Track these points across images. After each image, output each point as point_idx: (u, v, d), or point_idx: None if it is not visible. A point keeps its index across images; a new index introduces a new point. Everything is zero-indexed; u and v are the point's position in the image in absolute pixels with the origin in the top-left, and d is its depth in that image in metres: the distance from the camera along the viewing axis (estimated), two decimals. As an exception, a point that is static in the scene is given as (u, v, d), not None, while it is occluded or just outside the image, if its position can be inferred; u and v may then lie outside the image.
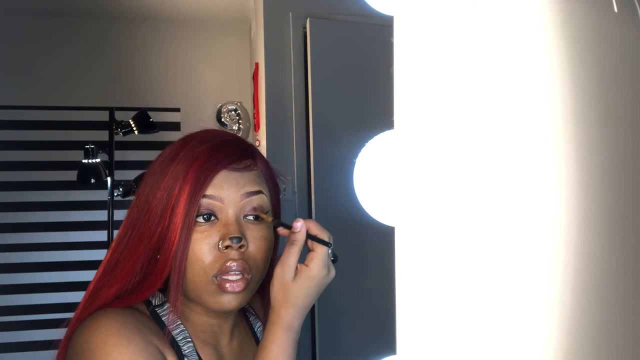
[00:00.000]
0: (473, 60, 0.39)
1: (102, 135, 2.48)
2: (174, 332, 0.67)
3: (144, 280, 0.67)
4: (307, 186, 1.94)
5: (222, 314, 0.70)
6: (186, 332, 0.68)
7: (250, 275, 0.65)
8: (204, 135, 0.70)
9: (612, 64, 0.39)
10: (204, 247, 0.64)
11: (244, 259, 0.65)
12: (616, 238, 0.40)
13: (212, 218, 0.65)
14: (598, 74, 0.39)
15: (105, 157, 2.42)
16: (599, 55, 0.39)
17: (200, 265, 0.64)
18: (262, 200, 0.69)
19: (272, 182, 0.74)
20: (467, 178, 0.39)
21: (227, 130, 0.76)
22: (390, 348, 0.40)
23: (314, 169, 1.88)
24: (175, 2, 2.57)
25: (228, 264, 0.64)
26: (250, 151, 0.71)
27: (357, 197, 0.44)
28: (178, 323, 0.68)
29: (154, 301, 0.69)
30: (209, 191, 0.65)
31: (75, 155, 2.48)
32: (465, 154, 0.39)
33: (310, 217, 1.90)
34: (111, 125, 2.41)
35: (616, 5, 0.37)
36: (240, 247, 0.64)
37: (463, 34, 0.39)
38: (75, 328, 0.64)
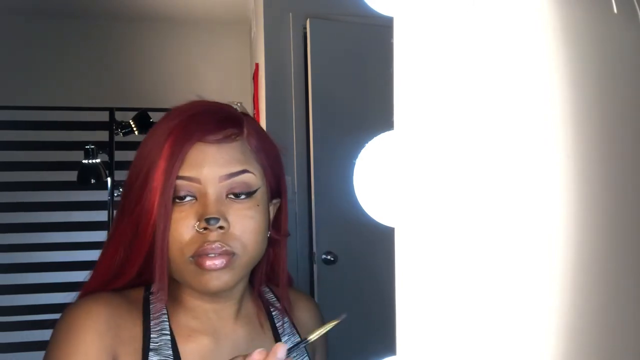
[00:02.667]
0: (473, 61, 0.39)
1: (103, 136, 2.49)
2: (153, 322, 0.63)
3: (126, 261, 0.64)
4: (307, 186, 1.94)
5: (215, 296, 0.65)
6: (166, 323, 0.64)
7: (236, 256, 0.61)
8: (186, 106, 0.65)
9: (611, 65, 0.39)
10: (181, 227, 0.60)
11: (225, 240, 0.60)
12: (616, 238, 0.40)
13: (190, 198, 0.61)
14: (597, 75, 0.39)
15: (106, 158, 2.42)
16: (599, 56, 0.39)
17: (177, 247, 0.60)
18: (247, 179, 0.63)
19: (265, 154, 0.67)
20: (467, 179, 0.39)
21: (218, 101, 0.68)
22: (390, 348, 0.41)
23: (314, 169, 1.88)
24: (175, 2, 2.57)
25: (205, 245, 0.59)
26: (233, 119, 0.65)
27: (357, 198, 0.44)
28: (162, 312, 0.64)
29: (153, 287, 0.65)
30: (185, 171, 0.60)
31: (76, 156, 2.48)
32: (465, 155, 0.39)
33: (310, 217, 1.90)
34: (111, 125, 2.41)
35: (616, 7, 0.37)
36: (220, 227, 0.60)
37: (463, 35, 0.39)
38: None
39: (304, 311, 0.76)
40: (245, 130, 0.66)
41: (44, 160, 2.67)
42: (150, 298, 0.65)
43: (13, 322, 2.55)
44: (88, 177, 2.32)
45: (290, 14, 1.97)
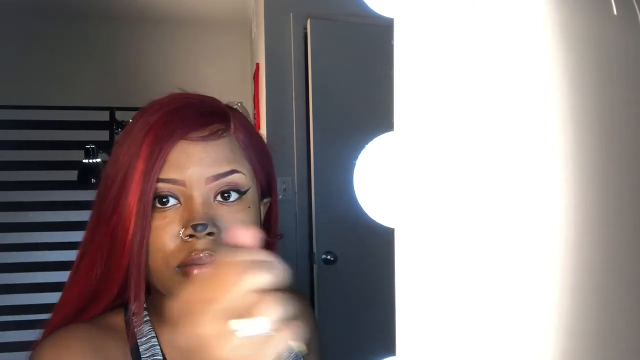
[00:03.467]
0: (473, 62, 0.39)
1: (103, 135, 2.49)
2: (143, 347, 0.57)
3: (103, 280, 0.56)
4: (307, 186, 1.95)
5: None
6: (157, 347, 0.57)
7: None
8: (166, 99, 0.58)
9: (611, 66, 0.39)
10: (164, 236, 0.53)
11: (214, 248, 0.52)
12: (615, 238, 0.40)
13: (174, 202, 0.54)
14: (597, 76, 0.39)
15: (106, 157, 2.42)
16: (598, 57, 0.39)
17: (161, 256, 0.53)
18: (237, 179, 0.56)
19: (254, 150, 0.61)
20: (466, 179, 0.39)
21: (200, 94, 0.60)
22: (390, 348, 0.41)
23: (314, 169, 1.88)
24: (176, 2, 2.57)
25: (193, 255, 0.52)
26: (219, 113, 0.58)
27: (357, 198, 0.44)
28: (150, 336, 0.58)
29: (133, 308, 0.58)
30: (167, 173, 0.53)
31: (76, 155, 2.48)
32: (465, 156, 0.39)
33: (310, 217, 1.90)
34: (112, 125, 2.41)
35: (615, 8, 0.37)
36: (209, 234, 0.53)
37: (463, 36, 0.39)
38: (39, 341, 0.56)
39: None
40: (232, 125, 0.59)
41: (44, 160, 2.67)
42: (134, 320, 0.58)
43: (13, 322, 2.55)
44: (88, 177, 2.32)
45: (291, 14, 1.97)
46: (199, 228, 0.52)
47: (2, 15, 2.62)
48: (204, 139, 0.55)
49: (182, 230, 0.53)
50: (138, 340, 0.57)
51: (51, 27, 2.71)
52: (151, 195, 0.53)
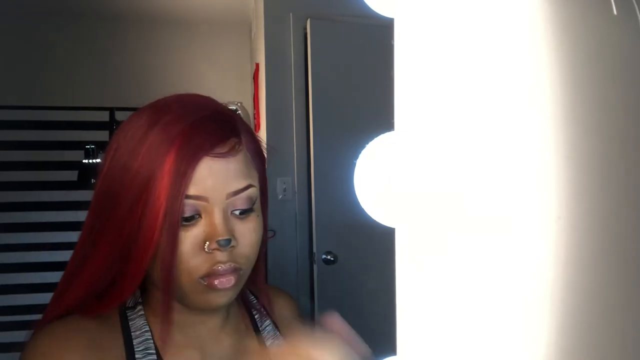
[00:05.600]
0: (473, 62, 0.39)
1: (103, 136, 2.48)
2: (136, 341, 0.59)
3: (114, 284, 0.58)
4: (307, 186, 1.95)
5: (207, 311, 0.62)
6: (151, 341, 0.59)
7: (242, 271, 0.59)
8: (178, 107, 0.59)
9: (611, 66, 0.39)
10: (187, 248, 0.55)
11: (234, 259, 0.57)
12: (610, 237, 0.40)
13: (197, 217, 0.56)
14: (597, 76, 0.39)
15: (106, 158, 2.42)
16: (598, 57, 0.39)
17: (184, 267, 0.56)
18: (251, 193, 0.59)
19: (258, 157, 0.64)
20: (466, 179, 0.39)
21: (202, 95, 0.62)
22: (390, 348, 0.41)
23: (314, 169, 1.88)
24: (175, 3, 2.57)
25: (216, 267, 0.56)
26: (234, 127, 0.60)
27: (357, 198, 0.44)
28: (144, 330, 0.60)
29: (128, 302, 0.61)
30: (193, 190, 0.55)
31: (76, 156, 2.48)
32: (464, 156, 0.39)
33: (310, 217, 1.91)
34: (111, 125, 2.41)
35: (615, 8, 0.37)
36: (231, 247, 0.57)
37: (463, 36, 0.39)
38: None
39: (283, 308, 0.75)
40: (242, 138, 0.60)
41: (44, 160, 2.67)
42: (128, 314, 0.60)
43: (14, 322, 2.55)
44: (88, 177, 2.32)
45: (291, 14, 1.97)
46: (222, 242, 0.55)
47: (1, 16, 2.62)
48: (225, 155, 0.57)
49: (206, 244, 0.56)
50: (132, 334, 0.59)
51: (51, 27, 2.71)
52: (180, 214, 0.54)
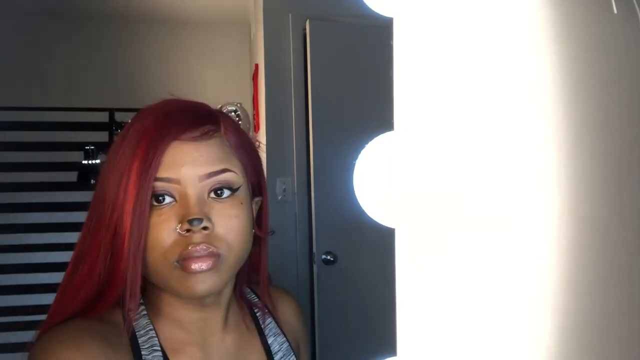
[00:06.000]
0: (472, 62, 0.39)
1: (102, 137, 2.48)
2: (142, 340, 0.59)
3: (108, 279, 0.58)
4: (306, 186, 1.94)
5: (202, 304, 0.62)
6: (155, 339, 0.60)
7: (222, 256, 0.57)
8: (158, 105, 0.61)
9: (611, 65, 0.39)
10: (162, 231, 0.56)
11: (210, 241, 0.56)
12: (610, 238, 0.40)
13: (170, 200, 0.57)
14: (597, 75, 0.39)
15: (105, 159, 2.42)
16: (599, 56, 0.39)
17: (160, 252, 0.56)
18: (229, 177, 0.59)
19: (244, 151, 0.64)
20: (466, 179, 0.39)
21: (192, 100, 0.64)
22: (390, 348, 0.41)
23: (314, 169, 1.88)
24: (175, 3, 2.57)
25: (190, 248, 0.55)
26: (209, 116, 0.61)
27: (357, 198, 0.44)
28: (148, 329, 0.60)
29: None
30: (163, 172, 0.56)
31: (76, 156, 2.48)
32: (464, 155, 0.39)
33: (310, 217, 1.90)
34: (111, 126, 2.41)
35: (615, 7, 0.37)
36: (204, 228, 0.56)
37: (462, 36, 0.39)
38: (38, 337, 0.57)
39: (286, 308, 0.76)
40: (222, 127, 0.62)
41: (44, 161, 2.67)
42: (131, 315, 0.60)
43: (14, 322, 2.55)
44: (88, 178, 2.32)
45: (290, 14, 1.97)
46: (194, 222, 0.55)
47: (1, 16, 2.62)
48: (196, 139, 0.58)
49: (178, 225, 0.56)
50: (137, 333, 0.59)
51: (51, 28, 2.71)
52: (149, 194, 0.56)
